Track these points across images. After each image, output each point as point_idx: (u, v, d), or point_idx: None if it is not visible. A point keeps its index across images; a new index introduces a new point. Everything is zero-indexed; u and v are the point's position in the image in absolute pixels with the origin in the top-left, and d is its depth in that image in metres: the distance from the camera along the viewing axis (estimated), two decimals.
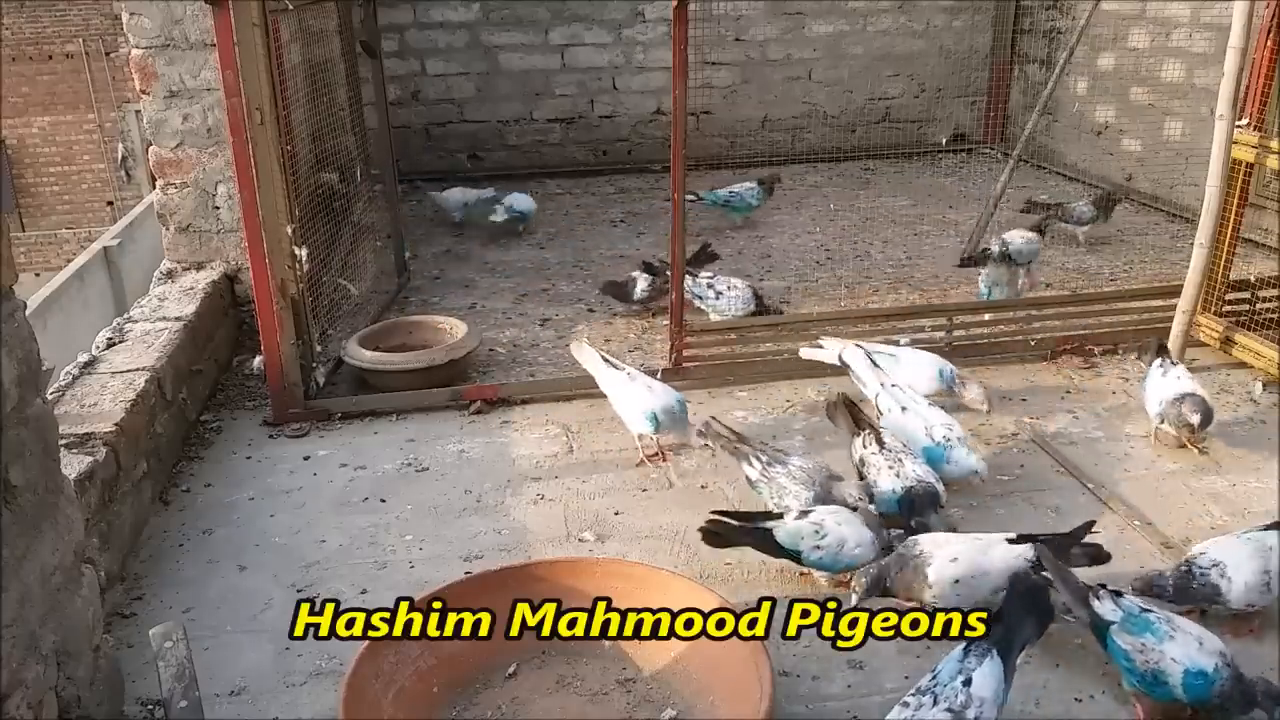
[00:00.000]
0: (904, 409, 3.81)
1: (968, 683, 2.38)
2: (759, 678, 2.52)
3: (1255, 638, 2.96)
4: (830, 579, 3.22)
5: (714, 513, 3.24)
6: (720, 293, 5.12)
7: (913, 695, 2.43)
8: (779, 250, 6.60)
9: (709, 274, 5.25)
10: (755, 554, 3.39)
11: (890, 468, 3.46)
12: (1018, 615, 2.55)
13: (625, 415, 4.05)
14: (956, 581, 2.91)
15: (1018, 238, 5.37)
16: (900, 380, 4.00)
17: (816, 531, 3.10)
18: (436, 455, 4.15)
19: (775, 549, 3.14)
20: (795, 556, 3.13)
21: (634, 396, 3.99)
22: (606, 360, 4.20)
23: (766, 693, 2.46)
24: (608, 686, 2.80)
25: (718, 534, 3.21)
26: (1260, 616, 2.99)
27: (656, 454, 4.06)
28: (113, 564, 3.27)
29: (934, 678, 2.45)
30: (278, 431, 4.36)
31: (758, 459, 3.53)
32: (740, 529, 3.20)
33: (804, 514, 3.18)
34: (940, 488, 3.40)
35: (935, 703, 2.37)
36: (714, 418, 3.85)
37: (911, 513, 3.33)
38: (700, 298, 5.15)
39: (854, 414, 3.76)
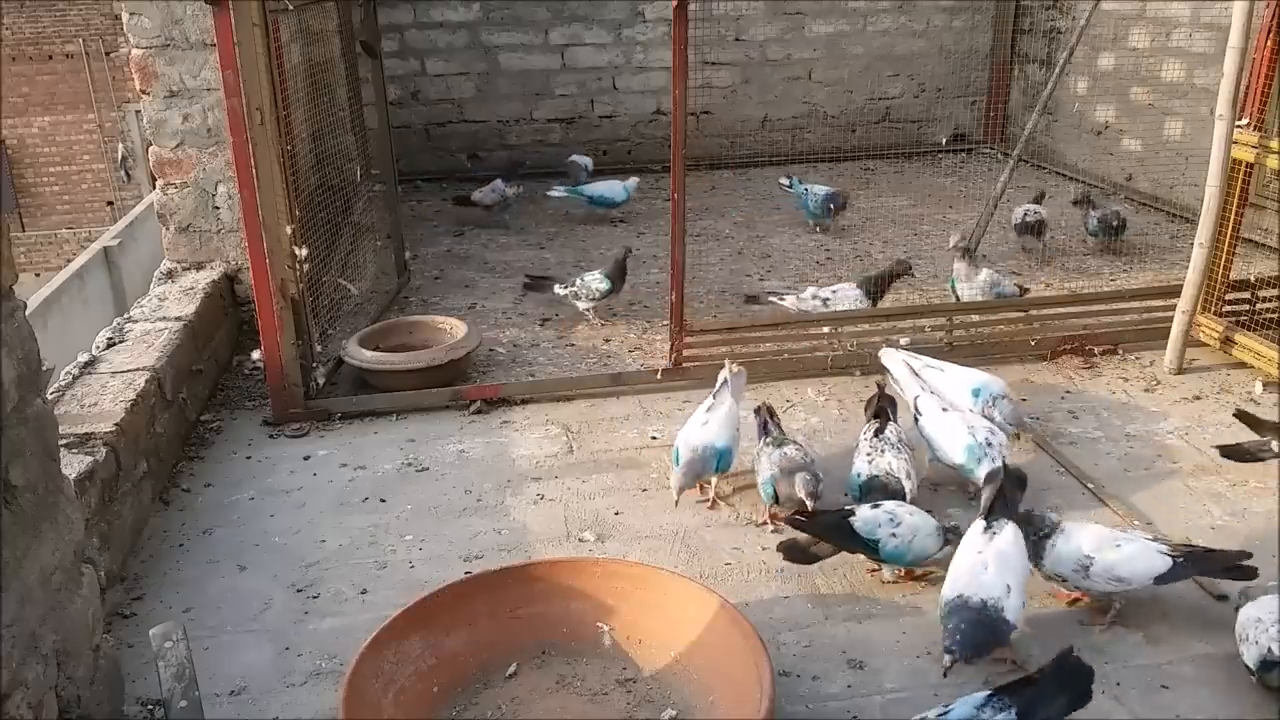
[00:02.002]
0: (944, 410, 3.77)
1: None
2: (759, 678, 2.52)
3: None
4: (894, 573, 3.25)
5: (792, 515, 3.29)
6: (826, 299, 5.06)
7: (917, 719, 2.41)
8: (779, 250, 6.60)
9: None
10: (755, 553, 3.40)
11: (868, 455, 3.58)
12: (1051, 686, 2.44)
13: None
14: None
15: (972, 286, 5.18)
16: (930, 438, 3.82)
17: (891, 519, 3.15)
18: (436, 455, 4.15)
19: (853, 539, 3.16)
20: (874, 547, 3.15)
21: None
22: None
23: (766, 693, 2.46)
24: (608, 686, 2.80)
25: (795, 545, 3.22)
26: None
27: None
28: (113, 564, 3.28)
29: (945, 710, 2.41)
30: (278, 431, 4.36)
31: (767, 439, 3.70)
32: (821, 517, 3.24)
33: (875, 506, 3.23)
34: (908, 485, 3.45)
35: None
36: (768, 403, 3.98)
37: (868, 499, 3.42)
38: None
39: (881, 405, 3.82)
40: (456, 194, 7.49)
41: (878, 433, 3.65)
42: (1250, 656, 2.74)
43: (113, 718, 2.52)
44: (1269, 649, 2.69)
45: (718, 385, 3.94)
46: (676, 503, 3.61)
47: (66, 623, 2.28)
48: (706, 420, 3.74)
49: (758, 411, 3.89)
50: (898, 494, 3.45)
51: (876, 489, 3.48)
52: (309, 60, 5.43)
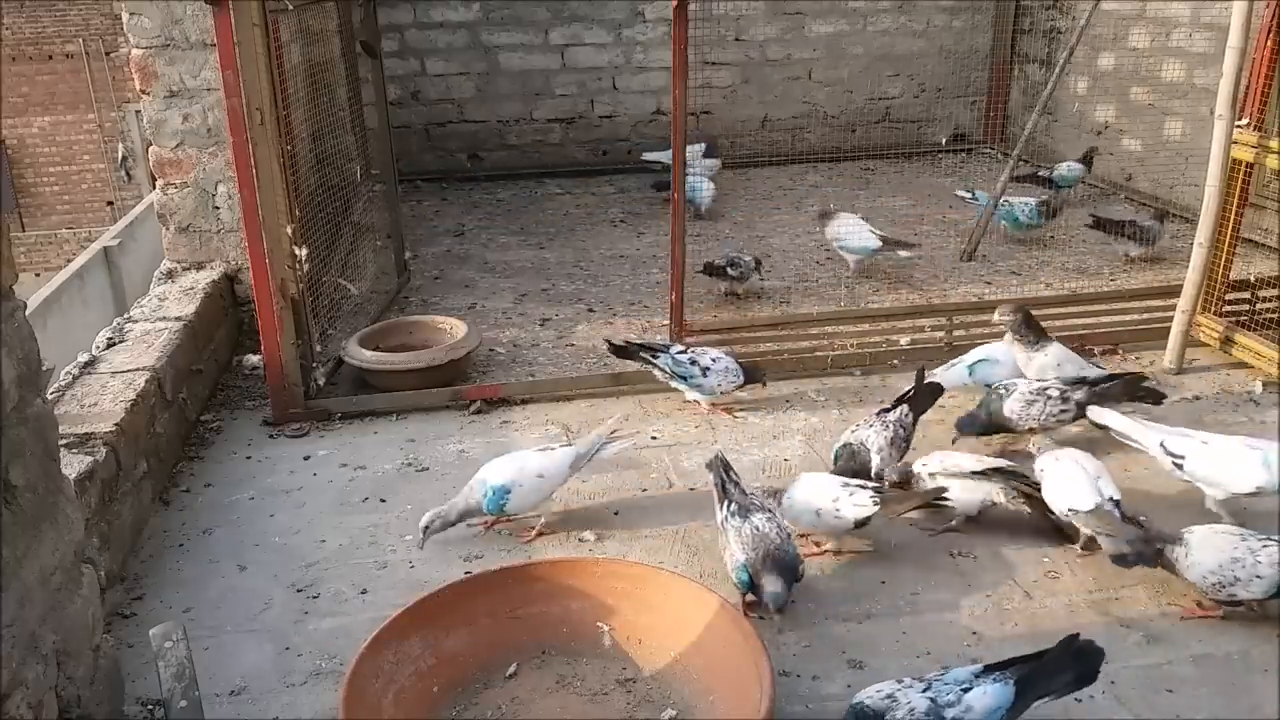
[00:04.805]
0: (1204, 443, 3.46)
1: (966, 690, 2.38)
2: (759, 678, 2.52)
3: None
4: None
5: None
6: (707, 368, 4.33)
7: (911, 678, 2.47)
8: (779, 250, 6.60)
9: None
10: None
11: (854, 427, 3.80)
12: (1056, 664, 2.46)
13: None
14: None
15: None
16: (1207, 476, 3.43)
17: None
18: (436, 455, 4.15)
19: None
20: None
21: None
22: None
23: (766, 693, 2.46)
24: (608, 686, 2.80)
25: None
26: None
27: None
28: (113, 564, 3.28)
29: (941, 673, 2.47)
30: (278, 431, 4.36)
31: (729, 505, 3.22)
32: None
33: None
34: (875, 459, 3.60)
35: (925, 690, 2.39)
36: (721, 453, 3.45)
37: (837, 465, 3.69)
38: (685, 377, 4.36)
39: (905, 395, 3.92)
40: (655, 181, 7.77)
41: (881, 413, 3.80)
42: (1258, 589, 2.92)
43: (113, 718, 2.52)
44: None
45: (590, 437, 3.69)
46: (420, 545, 3.41)
47: (66, 623, 2.28)
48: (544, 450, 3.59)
49: (710, 466, 3.37)
50: (864, 465, 3.58)
51: (845, 456, 3.67)
52: (309, 60, 5.43)
